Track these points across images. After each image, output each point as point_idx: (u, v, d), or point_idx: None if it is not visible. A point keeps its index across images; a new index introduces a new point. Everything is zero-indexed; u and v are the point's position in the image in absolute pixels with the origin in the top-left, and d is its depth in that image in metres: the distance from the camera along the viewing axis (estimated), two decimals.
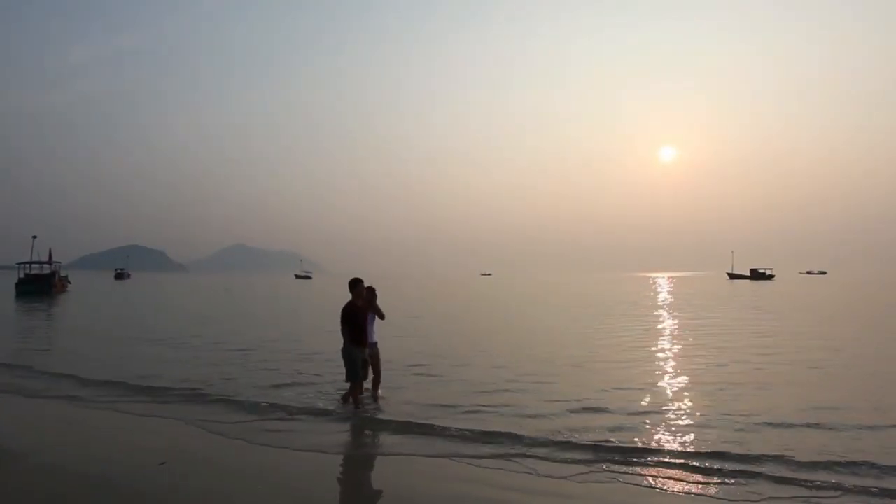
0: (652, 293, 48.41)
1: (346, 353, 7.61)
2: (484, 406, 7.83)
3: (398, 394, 8.50)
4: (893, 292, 49.13)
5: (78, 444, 6.41)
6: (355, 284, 7.83)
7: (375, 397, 8.10)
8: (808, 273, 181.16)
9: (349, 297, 7.73)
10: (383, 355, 8.44)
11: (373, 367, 8.09)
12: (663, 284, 74.61)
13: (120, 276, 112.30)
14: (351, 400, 7.74)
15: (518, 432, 6.48)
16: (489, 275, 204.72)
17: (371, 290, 8.07)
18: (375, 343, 8.15)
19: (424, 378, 9.86)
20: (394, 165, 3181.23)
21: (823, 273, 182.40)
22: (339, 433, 6.85)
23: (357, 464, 6.06)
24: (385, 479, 5.56)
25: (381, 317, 8.29)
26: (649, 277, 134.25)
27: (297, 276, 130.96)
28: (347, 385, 7.87)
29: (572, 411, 7.55)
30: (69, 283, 52.64)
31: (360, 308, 7.76)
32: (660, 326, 19.89)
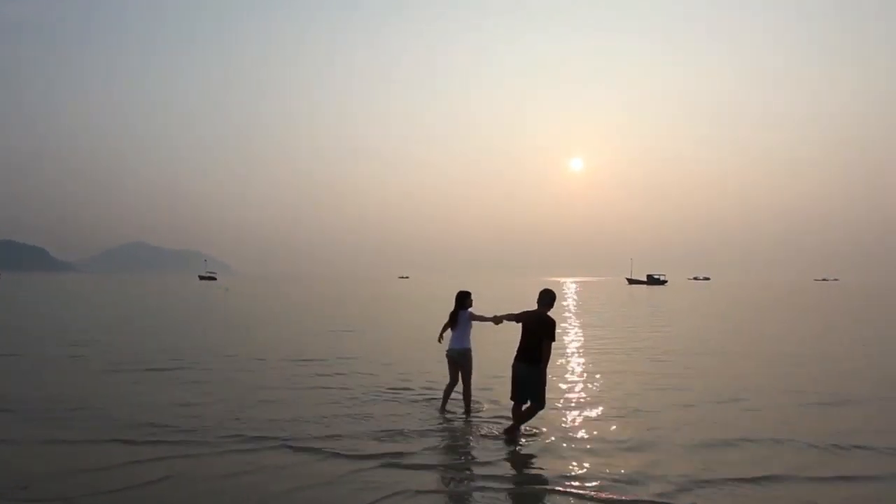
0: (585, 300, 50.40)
1: (543, 376, 6.46)
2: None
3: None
4: (763, 294, 57.52)
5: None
6: (554, 296, 6.62)
7: (468, 410, 7.52)
8: (695, 279, 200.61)
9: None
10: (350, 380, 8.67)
11: (463, 379, 7.55)
12: (572, 289, 78.65)
13: None
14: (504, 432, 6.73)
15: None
16: (406, 278, 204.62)
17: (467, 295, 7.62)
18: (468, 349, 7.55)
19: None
20: (308, 164, 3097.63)
21: (707, 279, 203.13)
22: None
23: None
24: None
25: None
26: (560, 282, 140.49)
27: (202, 278, 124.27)
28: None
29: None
30: None
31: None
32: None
